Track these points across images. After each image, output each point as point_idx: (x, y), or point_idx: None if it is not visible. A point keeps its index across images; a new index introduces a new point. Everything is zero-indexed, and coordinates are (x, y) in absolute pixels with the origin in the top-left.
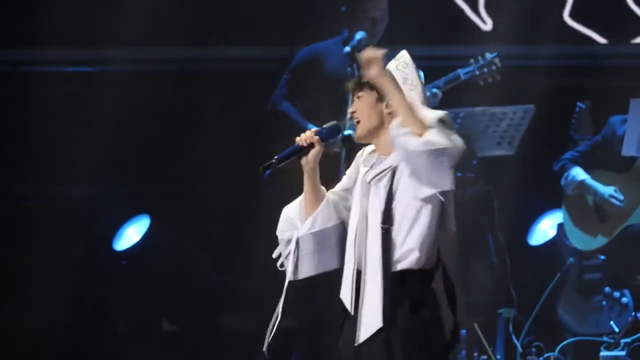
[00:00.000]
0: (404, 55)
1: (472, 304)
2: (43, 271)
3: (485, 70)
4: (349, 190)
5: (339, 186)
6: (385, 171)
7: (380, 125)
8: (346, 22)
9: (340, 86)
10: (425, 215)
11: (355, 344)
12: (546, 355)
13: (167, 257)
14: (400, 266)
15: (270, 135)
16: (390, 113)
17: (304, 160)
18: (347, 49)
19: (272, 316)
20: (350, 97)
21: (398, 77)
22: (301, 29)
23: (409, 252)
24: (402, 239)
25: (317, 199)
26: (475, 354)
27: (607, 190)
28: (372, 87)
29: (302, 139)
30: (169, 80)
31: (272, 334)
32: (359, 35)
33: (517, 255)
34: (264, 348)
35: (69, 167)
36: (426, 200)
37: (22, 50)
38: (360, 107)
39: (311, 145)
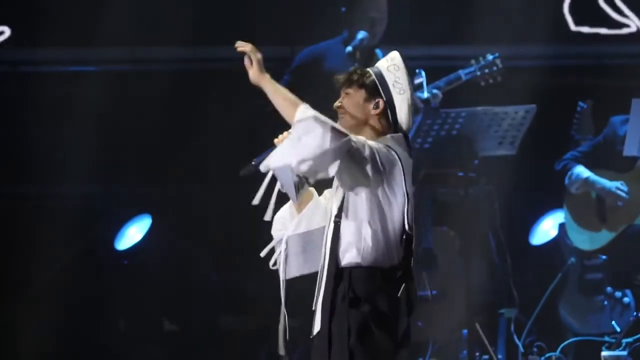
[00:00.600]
0: (395, 58)
1: (474, 304)
2: (44, 270)
3: (486, 71)
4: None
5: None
6: None
7: (364, 122)
8: (346, 22)
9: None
10: (363, 210)
11: (310, 337)
12: (548, 355)
13: (168, 257)
14: (344, 262)
15: (272, 135)
16: (377, 114)
17: None
18: (349, 48)
19: (273, 317)
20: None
21: (388, 78)
22: (301, 29)
23: (348, 246)
24: (344, 233)
25: (306, 199)
26: (477, 354)
27: (613, 184)
28: (361, 85)
29: (279, 140)
30: (170, 80)
31: (285, 335)
32: (361, 35)
33: (519, 255)
34: (281, 352)
35: (70, 167)
36: (357, 192)
37: (22, 49)
38: (347, 103)
39: None
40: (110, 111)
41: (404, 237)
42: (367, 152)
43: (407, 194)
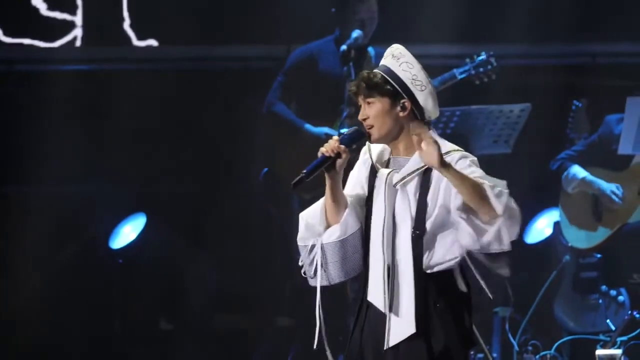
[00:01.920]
0: (404, 54)
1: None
2: (39, 270)
3: (480, 69)
4: (361, 191)
5: (350, 188)
6: (413, 174)
7: (399, 128)
8: (336, 23)
9: (335, 85)
10: (458, 223)
11: (385, 347)
12: (542, 353)
13: (163, 256)
14: (430, 271)
15: (268, 135)
16: (406, 115)
17: (331, 171)
18: (344, 47)
19: (268, 316)
20: (346, 97)
21: (405, 77)
22: (297, 28)
23: (434, 256)
24: (434, 245)
25: (340, 205)
26: (472, 353)
27: (609, 186)
28: (382, 92)
29: (328, 149)
30: (165, 79)
31: (325, 337)
32: (355, 33)
33: (513, 254)
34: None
35: (64, 166)
36: (460, 210)
37: (18, 48)
38: (373, 113)
39: (338, 155)
40: (105, 110)
41: None
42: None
43: None
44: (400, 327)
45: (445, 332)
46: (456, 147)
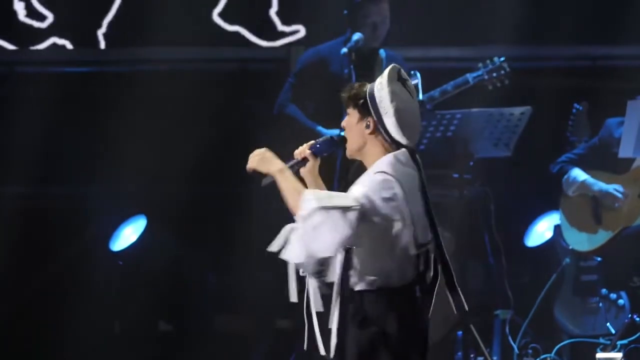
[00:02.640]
0: (384, 75)
1: (469, 305)
2: (39, 271)
3: (494, 74)
4: None
5: None
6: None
7: (364, 143)
8: (348, 25)
9: (342, 88)
10: (366, 240)
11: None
12: (543, 356)
13: (164, 258)
14: (355, 287)
15: (270, 136)
16: (370, 133)
17: (301, 173)
18: (344, 50)
19: (268, 317)
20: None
21: (377, 96)
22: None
23: (355, 272)
24: (354, 259)
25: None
26: (472, 356)
27: (610, 186)
28: (354, 105)
29: (297, 152)
30: (166, 80)
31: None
32: (356, 36)
33: (514, 257)
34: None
35: (65, 168)
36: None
37: (18, 51)
38: (347, 124)
39: (306, 159)
40: (106, 112)
41: (415, 253)
42: (370, 206)
43: (411, 212)
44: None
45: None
46: (384, 171)
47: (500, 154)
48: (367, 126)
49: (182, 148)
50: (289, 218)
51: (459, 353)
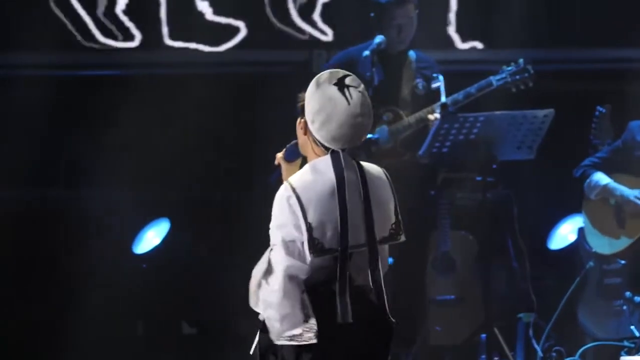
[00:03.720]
0: (314, 78)
1: (492, 308)
2: (63, 273)
3: (517, 77)
4: None
5: None
6: None
7: (303, 144)
8: (375, 28)
9: (369, 90)
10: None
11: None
12: (566, 359)
13: (187, 261)
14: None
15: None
16: (304, 134)
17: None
18: (366, 53)
19: None
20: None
21: (306, 99)
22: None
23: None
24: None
25: None
26: (496, 358)
27: (632, 192)
28: (300, 107)
29: (278, 157)
30: (186, 82)
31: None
32: (378, 39)
33: (537, 260)
34: None
35: (88, 170)
36: None
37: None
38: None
39: (279, 165)
40: (130, 115)
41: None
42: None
43: (307, 224)
44: None
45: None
46: (287, 182)
47: (524, 156)
48: (302, 128)
49: (205, 151)
50: None
51: (483, 356)
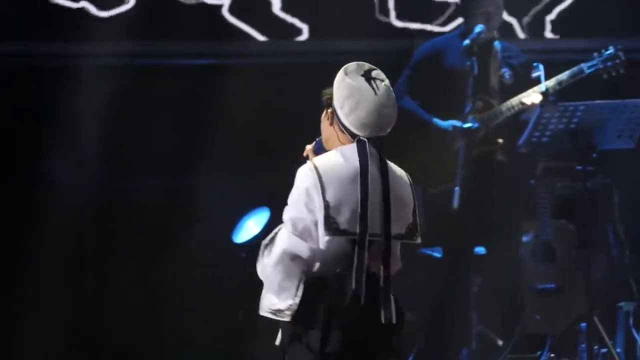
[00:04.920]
0: (341, 70)
1: (592, 298)
2: (160, 263)
3: (609, 64)
4: None
5: None
6: None
7: (328, 136)
8: (462, 17)
9: (460, 80)
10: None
11: None
12: None
13: None
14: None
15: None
16: (330, 124)
17: None
18: (467, 42)
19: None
20: (470, 92)
21: (334, 90)
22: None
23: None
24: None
25: None
26: (596, 347)
27: None
28: (326, 99)
29: (305, 149)
30: (300, 74)
31: None
32: (479, 28)
33: (638, 249)
34: None
35: (189, 159)
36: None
37: (141, 42)
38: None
39: (307, 157)
40: (231, 105)
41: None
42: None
43: (325, 201)
44: None
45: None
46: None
47: (624, 145)
48: (328, 118)
49: (306, 138)
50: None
51: (583, 345)
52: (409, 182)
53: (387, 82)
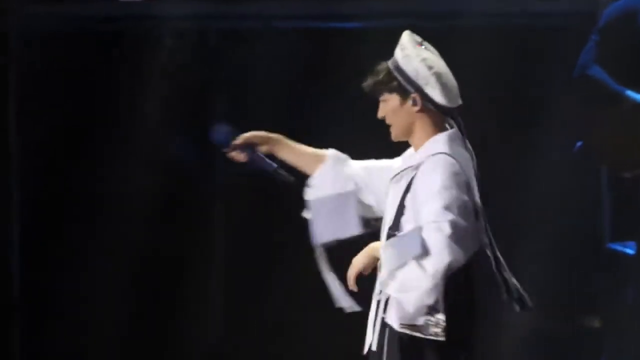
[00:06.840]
0: (406, 45)
1: None
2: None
3: None
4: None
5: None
6: (405, 171)
7: (412, 124)
8: None
9: None
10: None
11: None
12: None
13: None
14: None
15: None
16: (419, 110)
17: None
18: None
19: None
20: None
21: (410, 71)
22: None
23: None
24: None
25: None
26: None
27: None
28: (389, 89)
29: None
30: (469, 37)
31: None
32: None
33: None
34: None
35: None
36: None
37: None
38: (387, 112)
39: None
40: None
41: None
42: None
43: (476, 204)
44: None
45: None
46: (444, 152)
47: None
48: (414, 103)
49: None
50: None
51: None
52: None
53: (424, 41)
